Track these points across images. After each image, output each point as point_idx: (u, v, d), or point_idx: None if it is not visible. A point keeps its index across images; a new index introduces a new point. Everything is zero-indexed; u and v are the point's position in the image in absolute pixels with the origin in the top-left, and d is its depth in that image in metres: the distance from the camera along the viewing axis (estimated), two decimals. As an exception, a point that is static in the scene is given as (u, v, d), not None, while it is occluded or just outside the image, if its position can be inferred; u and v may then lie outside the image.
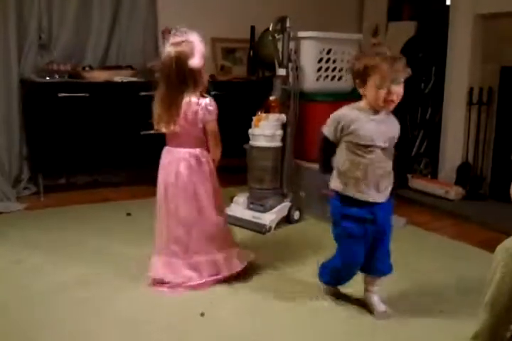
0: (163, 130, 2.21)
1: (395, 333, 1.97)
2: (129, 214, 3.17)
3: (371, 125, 1.89)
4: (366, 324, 2.02)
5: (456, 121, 3.82)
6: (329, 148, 2.00)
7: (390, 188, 1.98)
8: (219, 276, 2.30)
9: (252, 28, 4.23)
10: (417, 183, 3.83)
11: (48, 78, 3.46)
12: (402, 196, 3.71)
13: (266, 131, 3.05)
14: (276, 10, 3.71)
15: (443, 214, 3.40)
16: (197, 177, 2.23)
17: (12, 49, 3.51)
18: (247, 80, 4.17)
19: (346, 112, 1.93)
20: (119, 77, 3.61)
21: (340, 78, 3.65)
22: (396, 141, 1.99)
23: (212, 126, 2.23)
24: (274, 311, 2.10)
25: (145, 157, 3.67)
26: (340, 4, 4.75)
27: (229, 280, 2.31)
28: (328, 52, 3.56)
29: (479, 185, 3.69)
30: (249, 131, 3.11)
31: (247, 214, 3.06)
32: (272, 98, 3.16)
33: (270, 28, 3.27)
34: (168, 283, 2.24)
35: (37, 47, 3.61)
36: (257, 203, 3.09)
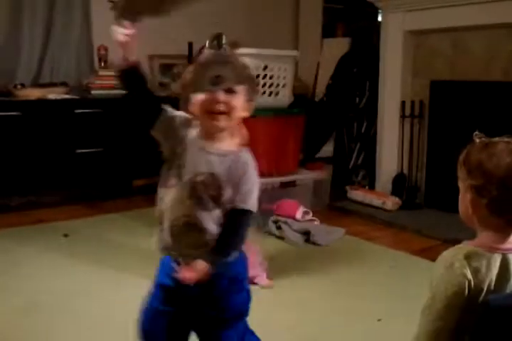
0: None
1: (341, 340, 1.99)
2: (66, 236, 3.08)
3: (196, 152, 1.32)
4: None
5: (390, 134, 3.94)
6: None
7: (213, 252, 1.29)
8: None
9: (190, 44, 4.24)
10: (355, 194, 3.91)
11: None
12: (340, 207, 3.79)
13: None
14: (213, 26, 3.74)
15: (381, 224, 3.48)
16: None
17: None
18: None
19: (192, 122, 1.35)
20: (53, 94, 3.53)
21: (277, 94, 3.70)
22: (244, 199, 1.30)
23: None
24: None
25: (81, 176, 3.61)
26: (276, 21, 4.84)
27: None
28: (265, 68, 3.61)
29: (414, 195, 3.81)
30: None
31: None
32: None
33: (206, 45, 3.29)
34: None
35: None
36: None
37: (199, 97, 1.29)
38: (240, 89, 1.31)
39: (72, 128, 3.53)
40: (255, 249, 2.49)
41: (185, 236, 1.30)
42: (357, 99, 4.17)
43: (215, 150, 1.32)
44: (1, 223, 3.31)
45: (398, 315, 2.16)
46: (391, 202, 3.70)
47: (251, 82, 1.36)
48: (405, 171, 3.87)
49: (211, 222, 1.29)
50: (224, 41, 3.36)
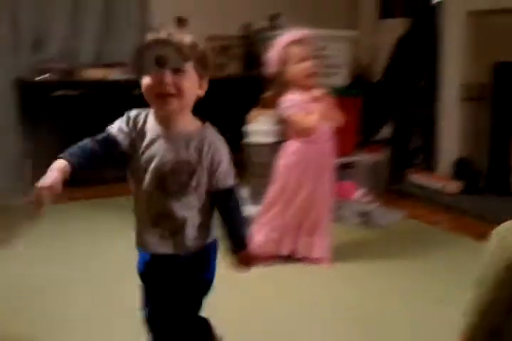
0: None
1: (401, 321, 1.98)
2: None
3: (158, 141, 1.30)
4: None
5: (451, 117, 3.83)
6: (103, 143, 1.33)
7: (191, 237, 1.33)
8: None
9: (246, 25, 4.22)
10: (415, 177, 3.83)
11: (42, 77, 3.44)
12: (399, 190, 3.73)
13: (263, 126, 3.05)
14: (270, 7, 3.72)
15: (441, 208, 3.40)
16: None
17: (5, 48, 3.50)
18: (242, 77, 4.18)
19: (143, 113, 1.34)
20: (114, 74, 3.59)
21: (334, 74, 3.67)
22: (220, 186, 1.32)
23: None
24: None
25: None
26: (334, 1, 4.76)
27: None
28: (322, 49, 3.57)
29: (477, 179, 3.69)
30: (246, 127, 3.11)
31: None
32: (268, 94, 3.16)
33: (264, 25, 3.28)
34: None
35: (31, 46, 3.60)
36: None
37: (146, 81, 1.24)
38: (189, 67, 1.25)
39: (131, 107, 3.59)
40: (327, 232, 2.50)
41: (159, 226, 1.32)
42: (416, 80, 4.08)
43: (176, 135, 1.29)
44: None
45: (458, 300, 2.12)
46: (452, 186, 3.60)
47: (200, 57, 1.28)
48: (467, 154, 3.76)
49: (183, 209, 1.30)
50: (281, 21, 3.33)
